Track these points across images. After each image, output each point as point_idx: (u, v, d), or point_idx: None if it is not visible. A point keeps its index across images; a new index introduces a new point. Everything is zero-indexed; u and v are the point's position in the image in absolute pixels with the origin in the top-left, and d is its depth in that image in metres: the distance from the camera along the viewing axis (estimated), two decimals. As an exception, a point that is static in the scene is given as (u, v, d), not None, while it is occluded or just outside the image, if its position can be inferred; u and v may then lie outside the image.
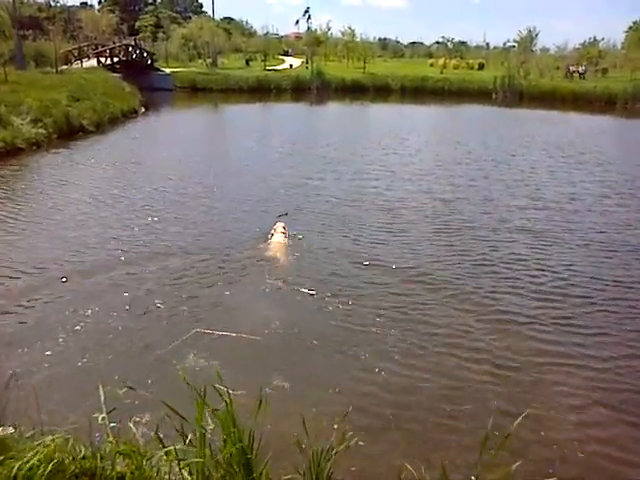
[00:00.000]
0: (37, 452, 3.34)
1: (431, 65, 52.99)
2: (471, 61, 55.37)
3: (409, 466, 3.71)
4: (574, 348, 6.51)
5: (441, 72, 45.48)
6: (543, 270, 8.72)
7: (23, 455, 3.37)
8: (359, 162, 16.90)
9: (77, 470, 3.33)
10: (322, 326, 6.89)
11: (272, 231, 9.48)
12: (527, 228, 10.73)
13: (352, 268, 8.59)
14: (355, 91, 38.79)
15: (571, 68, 45.19)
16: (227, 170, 15.87)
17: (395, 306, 7.35)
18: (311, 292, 7.64)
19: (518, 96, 37.64)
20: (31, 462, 3.24)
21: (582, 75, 44.16)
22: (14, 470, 3.23)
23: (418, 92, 39.50)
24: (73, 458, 3.40)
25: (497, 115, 32.19)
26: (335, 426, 4.25)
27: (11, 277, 7.91)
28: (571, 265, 8.97)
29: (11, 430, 3.64)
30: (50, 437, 3.46)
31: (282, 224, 9.67)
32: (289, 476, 3.52)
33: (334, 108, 34.70)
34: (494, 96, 38.01)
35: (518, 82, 39.15)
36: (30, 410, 3.97)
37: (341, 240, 9.77)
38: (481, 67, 52.68)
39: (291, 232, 9.69)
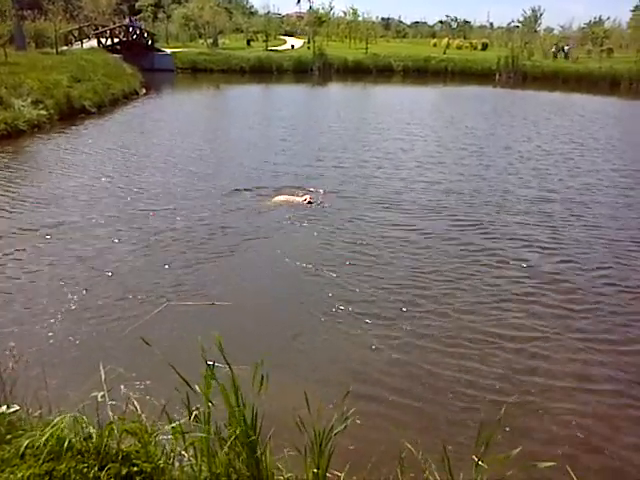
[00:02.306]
0: (44, 430, 3.41)
1: (434, 45, 52.53)
2: (474, 41, 54.84)
3: (409, 445, 3.78)
4: (578, 329, 6.60)
5: (444, 52, 45.05)
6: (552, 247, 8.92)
7: (31, 433, 3.44)
8: (360, 151, 16.54)
9: (83, 448, 3.41)
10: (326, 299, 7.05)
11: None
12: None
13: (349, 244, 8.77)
14: (357, 72, 38.47)
15: (554, 47, 44.49)
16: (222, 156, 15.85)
17: (402, 283, 7.45)
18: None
19: (521, 77, 37.30)
20: (39, 440, 3.32)
21: (566, 54, 43.55)
22: (22, 448, 3.31)
23: (421, 73, 39.18)
24: (79, 437, 3.47)
25: (500, 97, 31.87)
26: (332, 404, 4.31)
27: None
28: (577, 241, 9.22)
29: (16, 408, 3.69)
30: (57, 416, 3.54)
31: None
32: (292, 452, 3.60)
33: (336, 90, 34.43)
34: (497, 77, 37.67)
35: (522, 63, 38.76)
36: (35, 389, 4.02)
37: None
38: (484, 47, 52.15)
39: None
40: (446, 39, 52.42)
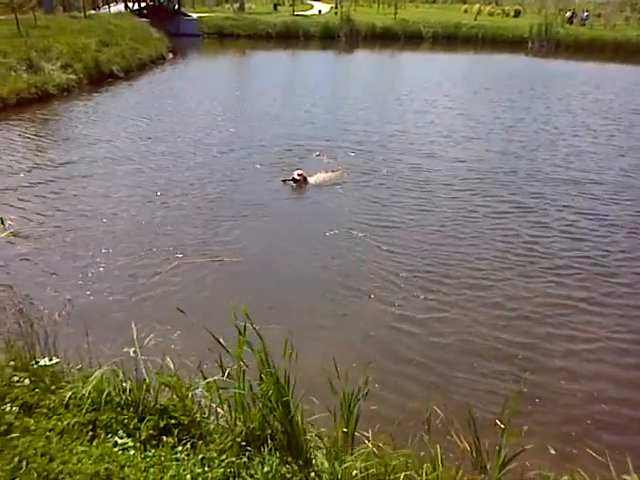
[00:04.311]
0: (86, 383, 3.57)
1: (465, 11, 50.98)
2: (507, 8, 53.03)
3: (436, 408, 3.87)
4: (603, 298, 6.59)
5: (475, 19, 43.78)
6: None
7: (73, 385, 3.61)
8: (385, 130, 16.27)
9: (122, 402, 3.56)
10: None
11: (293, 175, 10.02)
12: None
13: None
14: (385, 38, 37.66)
15: (569, 13, 42.40)
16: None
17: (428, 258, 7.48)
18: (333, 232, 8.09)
19: (554, 45, 36.12)
20: (81, 392, 3.47)
21: (584, 21, 41.68)
22: (66, 398, 3.47)
23: (450, 40, 38.17)
24: (118, 389, 3.63)
25: (533, 66, 30.95)
26: (359, 368, 4.40)
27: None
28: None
29: (57, 360, 3.85)
30: (96, 369, 3.69)
31: (299, 171, 10.12)
32: (322, 414, 3.71)
33: (363, 57, 33.84)
34: (529, 45, 36.56)
35: (555, 30, 37.46)
36: (76, 343, 4.18)
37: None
38: (517, 14, 50.49)
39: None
40: (477, 5, 50.80)
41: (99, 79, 19.76)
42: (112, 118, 15.06)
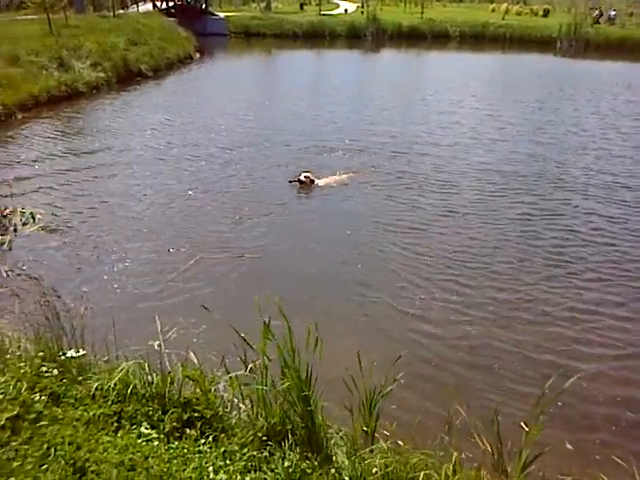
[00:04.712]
0: (112, 375, 3.64)
1: (492, 11, 50.42)
2: (535, 7, 52.30)
3: (459, 408, 3.86)
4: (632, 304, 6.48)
5: (503, 18, 43.29)
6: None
7: (99, 376, 3.69)
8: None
9: (147, 394, 3.63)
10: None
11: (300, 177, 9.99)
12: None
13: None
14: (411, 38, 37.43)
15: (595, 12, 41.30)
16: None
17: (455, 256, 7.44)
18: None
19: (584, 45, 35.49)
20: (108, 384, 3.55)
21: (611, 20, 40.61)
22: (92, 389, 3.55)
23: (478, 39, 37.77)
24: (143, 382, 3.70)
25: (562, 66, 30.47)
26: (382, 366, 4.40)
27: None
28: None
29: (84, 352, 3.94)
30: (122, 361, 3.77)
31: (307, 173, 10.07)
32: (342, 411, 3.73)
33: (389, 57, 33.67)
34: (558, 45, 35.99)
35: (584, 30, 36.79)
36: (103, 335, 4.26)
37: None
38: (546, 14, 49.78)
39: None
40: (505, 4, 50.20)
41: (127, 78, 20.05)
42: (139, 116, 15.30)
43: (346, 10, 46.46)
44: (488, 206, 9.39)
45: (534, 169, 11.41)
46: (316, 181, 10.02)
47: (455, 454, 3.35)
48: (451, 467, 3.27)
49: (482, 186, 10.33)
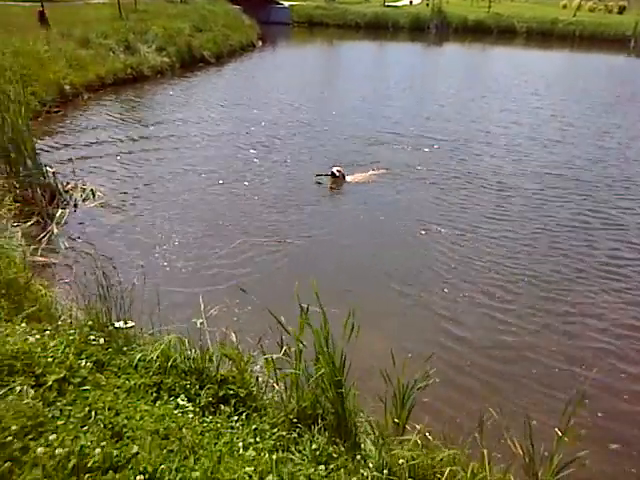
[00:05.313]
0: (154, 347, 3.79)
1: (564, 7, 48.59)
2: (611, 3, 50.09)
3: (492, 409, 3.82)
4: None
5: (574, 15, 41.69)
6: None
7: (143, 348, 3.85)
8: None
9: (186, 368, 3.76)
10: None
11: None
12: None
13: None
14: (477, 32, 36.57)
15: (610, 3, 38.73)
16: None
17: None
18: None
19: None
20: (150, 355, 3.70)
21: (621, 10, 38.05)
22: (135, 360, 3.71)
23: (545, 36, 36.53)
24: (183, 356, 3.83)
25: (632, 68, 29.10)
26: (416, 361, 4.39)
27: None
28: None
29: (132, 324, 4.11)
30: (165, 335, 3.92)
31: (338, 167, 10.01)
32: (374, 401, 3.76)
33: (452, 51, 32.99)
34: (632, 44, 34.32)
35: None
36: (149, 309, 4.42)
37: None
38: (621, 10, 47.57)
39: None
40: (578, 0, 48.33)
41: (191, 63, 20.50)
42: (199, 101, 15.64)
43: (411, 2, 45.84)
44: (544, 211, 9.09)
45: (596, 175, 10.90)
46: (347, 177, 9.94)
47: (485, 451, 3.32)
48: (479, 465, 3.25)
49: (538, 190, 9.99)
